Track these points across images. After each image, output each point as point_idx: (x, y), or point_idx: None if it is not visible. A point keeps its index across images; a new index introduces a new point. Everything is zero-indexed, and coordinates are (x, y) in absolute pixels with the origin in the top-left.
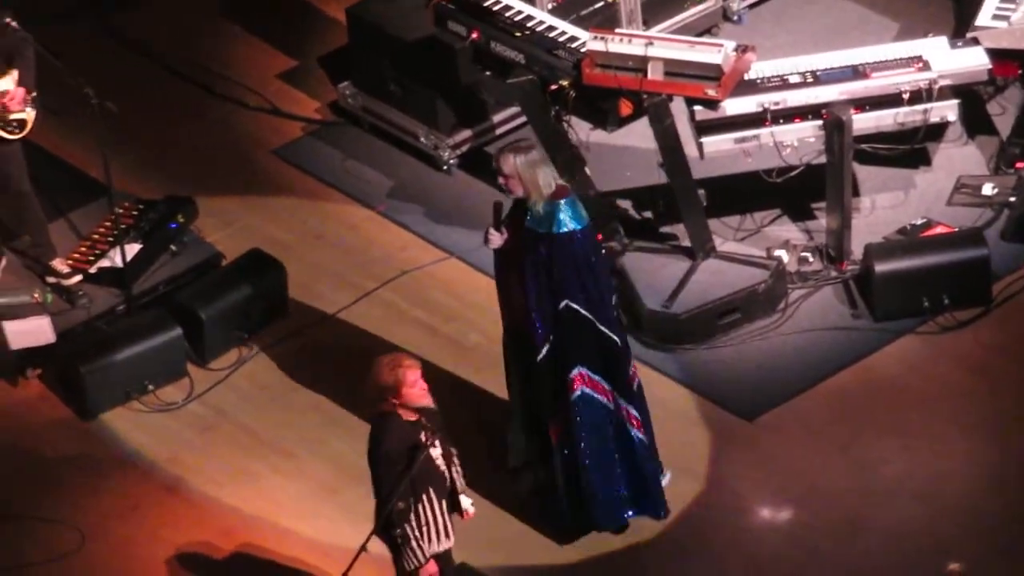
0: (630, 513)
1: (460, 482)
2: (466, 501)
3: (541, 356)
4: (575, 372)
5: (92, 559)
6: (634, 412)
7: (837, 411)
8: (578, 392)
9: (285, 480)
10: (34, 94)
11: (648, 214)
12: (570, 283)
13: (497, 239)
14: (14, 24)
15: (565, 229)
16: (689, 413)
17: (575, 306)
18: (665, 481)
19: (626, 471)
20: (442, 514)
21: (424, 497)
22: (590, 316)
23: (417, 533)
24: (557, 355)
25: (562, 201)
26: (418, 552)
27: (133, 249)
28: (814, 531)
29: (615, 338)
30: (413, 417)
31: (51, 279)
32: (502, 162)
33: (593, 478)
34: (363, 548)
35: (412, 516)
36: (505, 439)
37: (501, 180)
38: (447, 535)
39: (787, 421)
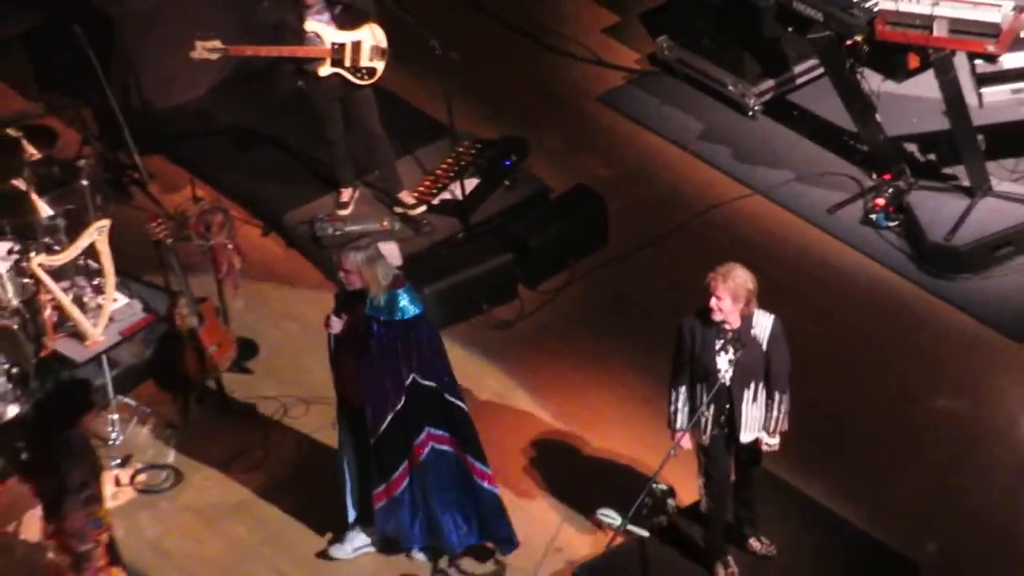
0: (473, 541)
1: (772, 421)
2: (768, 438)
3: (383, 429)
4: (423, 435)
5: None
6: (487, 470)
7: None
8: (427, 451)
9: (603, 391)
10: (384, 45)
11: (932, 156)
12: (415, 362)
13: (338, 324)
14: None
15: (408, 315)
16: (966, 336)
17: (421, 380)
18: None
19: (473, 508)
20: (706, 413)
21: (697, 387)
22: (436, 386)
23: (676, 401)
24: (403, 425)
25: (400, 290)
26: (670, 413)
27: (472, 184)
28: None
29: (461, 405)
30: (730, 325)
31: (398, 209)
32: (344, 260)
33: (441, 519)
34: (671, 452)
35: (682, 388)
36: (344, 499)
37: (342, 275)
38: (703, 431)
39: None
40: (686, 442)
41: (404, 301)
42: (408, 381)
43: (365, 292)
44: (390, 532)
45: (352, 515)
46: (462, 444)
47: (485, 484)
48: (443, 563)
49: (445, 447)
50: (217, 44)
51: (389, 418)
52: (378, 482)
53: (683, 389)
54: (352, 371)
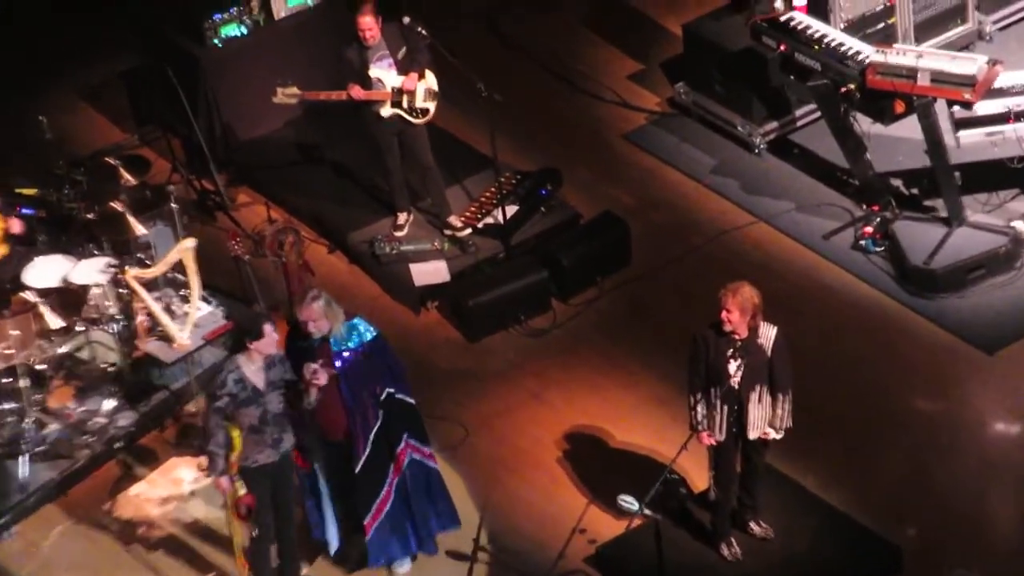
0: (436, 532)
1: (777, 419)
2: (772, 432)
3: (368, 450)
4: (403, 444)
5: (474, 449)
6: (429, 451)
7: None
8: (407, 460)
9: (625, 392)
10: (436, 89)
11: (915, 190)
12: (384, 376)
13: (323, 373)
14: (423, 31)
15: (369, 338)
16: (942, 347)
17: (391, 391)
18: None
19: (432, 502)
20: (719, 413)
21: (710, 390)
22: (402, 397)
23: (695, 405)
24: (385, 438)
25: (355, 320)
26: (691, 414)
27: (512, 209)
28: None
29: (414, 402)
30: (739, 335)
31: (448, 231)
32: (311, 313)
33: (420, 521)
34: (684, 447)
35: (698, 392)
36: (323, 531)
37: (312, 325)
38: (718, 431)
39: (1021, 354)
40: (707, 440)
41: (361, 327)
42: (383, 396)
43: (325, 337)
44: (385, 561)
45: (335, 547)
46: (420, 439)
47: (431, 463)
48: (482, 541)
49: (418, 456)
50: (295, 90)
51: (372, 437)
52: (364, 511)
53: (699, 393)
54: (338, 407)
